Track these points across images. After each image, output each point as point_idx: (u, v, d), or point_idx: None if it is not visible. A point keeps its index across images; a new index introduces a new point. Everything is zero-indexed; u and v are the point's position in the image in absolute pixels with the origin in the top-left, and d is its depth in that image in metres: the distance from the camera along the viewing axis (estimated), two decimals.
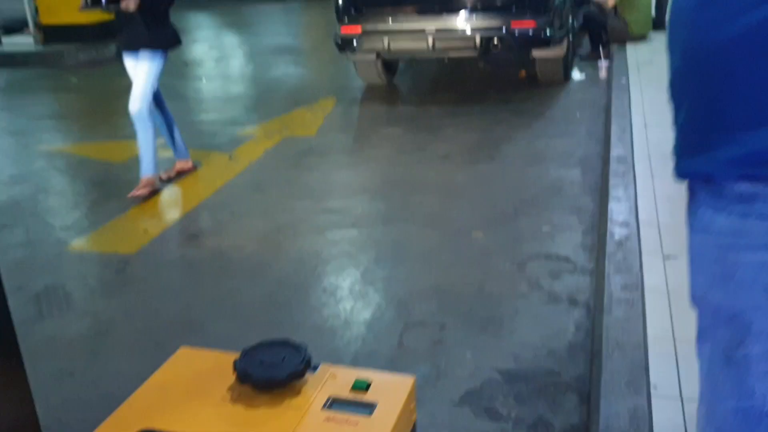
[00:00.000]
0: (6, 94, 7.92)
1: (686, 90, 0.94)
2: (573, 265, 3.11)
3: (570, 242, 3.33)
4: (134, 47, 4.12)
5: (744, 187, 0.87)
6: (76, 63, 8.88)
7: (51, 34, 9.30)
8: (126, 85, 7.83)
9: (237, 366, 1.34)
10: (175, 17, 13.66)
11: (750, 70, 0.84)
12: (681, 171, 0.97)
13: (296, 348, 1.34)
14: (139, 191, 4.17)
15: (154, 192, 4.24)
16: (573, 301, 2.82)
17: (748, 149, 0.85)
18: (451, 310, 2.84)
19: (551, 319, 2.72)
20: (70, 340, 2.77)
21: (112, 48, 9.32)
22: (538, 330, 2.66)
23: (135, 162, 4.90)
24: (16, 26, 9.78)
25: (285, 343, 1.37)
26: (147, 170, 4.22)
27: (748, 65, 0.84)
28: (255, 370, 1.29)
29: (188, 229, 3.81)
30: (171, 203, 4.24)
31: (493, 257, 3.25)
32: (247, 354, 1.35)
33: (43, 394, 2.20)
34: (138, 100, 4.13)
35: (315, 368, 1.37)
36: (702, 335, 1.00)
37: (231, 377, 1.35)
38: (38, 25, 9.40)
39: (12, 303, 3.10)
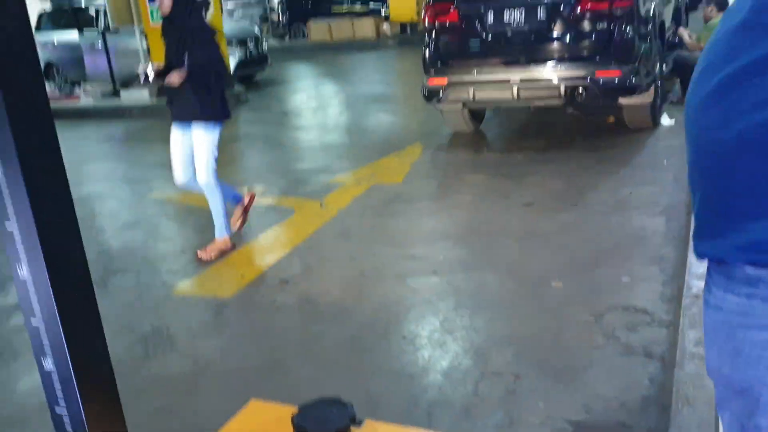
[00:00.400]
0: (123, 145, 8.65)
1: (697, 180, 1.05)
2: (651, 317, 3.12)
3: (649, 293, 3.34)
4: (185, 119, 4.16)
5: (750, 270, 0.97)
6: None
7: (163, 87, 10.05)
8: (231, 135, 8.35)
9: (294, 420, 1.56)
10: (278, 68, 14.37)
11: (748, 168, 0.94)
12: (698, 253, 1.07)
13: (344, 406, 1.54)
14: (208, 254, 4.28)
15: (225, 252, 4.35)
16: (648, 354, 2.84)
17: (752, 238, 0.95)
18: (526, 359, 2.92)
19: (625, 372, 2.75)
20: (171, 379, 3.03)
21: None
22: (611, 382, 2.69)
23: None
24: (132, 81, 10.65)
25: (335, 401, 1.56)
26: (220, 233, 4.34)
27: (747, 164, 0.94)
28: (309, 424, 1.50)
29: (280, 274, 4.06)
30: (266, 249, 4.53)
31: (570, 307, 3.30)
32: (303, 409, 1.57)
33: (144, 429, 2.45)
34: (204, 173, 4.19)
35: (360, 423, 1.54)
36: (720, 404, 1.08)
37: (290, 430, 1.56)
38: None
39: (121, 343, 3.44)
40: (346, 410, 1.52)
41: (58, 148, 0.80)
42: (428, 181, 5.73)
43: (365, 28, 16.87)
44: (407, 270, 3.90)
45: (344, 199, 5.29)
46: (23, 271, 0.74)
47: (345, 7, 18.25)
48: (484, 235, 4.34)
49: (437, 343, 3.12)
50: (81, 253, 0.77)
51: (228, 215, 4.39)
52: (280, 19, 19.54)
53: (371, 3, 18.03)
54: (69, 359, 0.73)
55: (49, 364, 0.75)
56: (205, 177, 4.21)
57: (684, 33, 7.47)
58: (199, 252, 4.33)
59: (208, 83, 4.06)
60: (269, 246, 4.59)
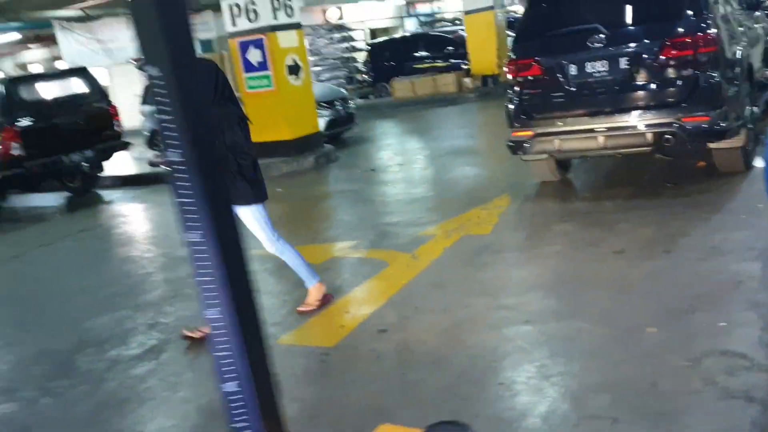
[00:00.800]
0: None
1: None
2: (750, 361, 3.11)
3: (747, 338, 3.32)
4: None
5: None
6: (280, 175, 10.05)
7: (258, 150, 10.62)
8: (322, 193, 8.71)
9: None
10: (364, 126, 14.84)
11: None
12: None
13: (464, 428, 1.70)
14: (308, 307, 4.56)
15: (324, 300, 4.59)
16: (749, 399, 2.84)
17: None
18: (623, 404, 2.97)
19: (725, 416, 2.76)
20: None
21: (310, 159, 10.48)
22: (711, 426, 2.71)
23: (332, 263, 5.56)
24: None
25: (456, 423, 1.72)
26: (309, 282, 4.59)
27: None
28: None
29: (378, 324, 4.25)
30: (363, 301, 4.75)
31: (666, 353, 3.33)
32: (429, 430, 1.73)
33: None
34: (268, 244, 4.46)
35: None
36: None
37: None
38: None
39: None
40: (467, 430, 1.68)
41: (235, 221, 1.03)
42: (517, 231, 5.84)
43: (447, 82, 17.24)
44: (500, 319, 4.01)
45: (435, 250, 5.47)
46: (215, 313, 0.97)
47: (427, 64, 18.76)
48: (575, 283, 4.41)
49: (534, 389, 3.21)
50: (254, 296, 0.99)
51: (308, 263, 4.62)
52: (365, 78, 20.26)
53: (451, 59, 18.45)
54: (251, 381, 0.94)
55: (233, 386, 0.96)
56: (271, 247, 4.48)
57: None
58: (298, 309, 4.60)
59: (237, 168, 4.18)
60: (366, 297, 4.80)
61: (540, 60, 6.13)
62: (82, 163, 10.47)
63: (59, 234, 8.65)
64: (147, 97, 13.32)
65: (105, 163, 11.12)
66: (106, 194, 11.14)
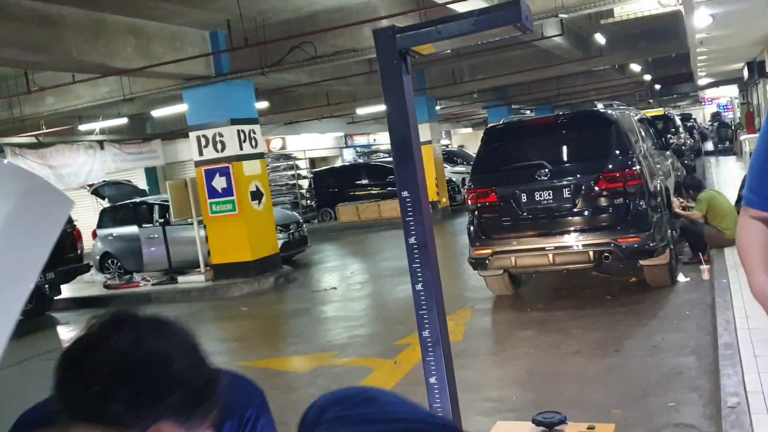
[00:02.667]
0: (187, 324, 9.54)
1: None
2: (698, 430, 3.88)
3: (693, 413, 4.11)
4: None
5: None
6: (243, 294, 10.55)
7: (221, 271, 11.16)
8: (288, 310, 9.20)
9: None
10: (314, 249, 15.38)
11: None
12: None
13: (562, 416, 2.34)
14: None
15: None
16: None
17: None
18: None
19: None
20: None
21: (270, 279, 11.03)
22: None
23: (321, 371, 6.09)
24: (188, 267, 11.78)
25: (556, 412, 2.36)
26: None
27: None
28: None
29: None
30: None
31: (631, 429, 4.06)
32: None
33: None
34: None
35: None
36: None
37: None
38: (208, 265, 11.34)
39: None
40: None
41: None
42: (485, 338, 6.59)
43: (391, 208, 18.33)
44: (489, 409, 4.67)
45: (414, 356, 6.10)
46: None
47: (369, 191, 19.94)
48: (545, 378, 5.14)
49: None
50: None
51: None
52: (309, 204, 21.26)
53: (393, 187, 19.71)
54: None
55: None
56: None
57: (675, 200, 8.50)
58: None
59: None
60: None
61: (496, 189, 7.14)
62: (43, 286, 10.58)
63: (25, 354, 8.72)
64: (102, 221, 13.66)
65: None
66: (61, 316, 11.16)
